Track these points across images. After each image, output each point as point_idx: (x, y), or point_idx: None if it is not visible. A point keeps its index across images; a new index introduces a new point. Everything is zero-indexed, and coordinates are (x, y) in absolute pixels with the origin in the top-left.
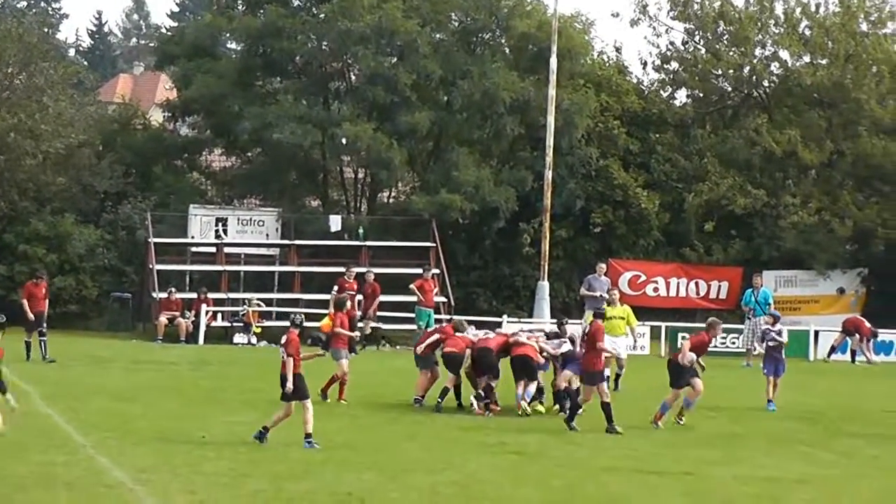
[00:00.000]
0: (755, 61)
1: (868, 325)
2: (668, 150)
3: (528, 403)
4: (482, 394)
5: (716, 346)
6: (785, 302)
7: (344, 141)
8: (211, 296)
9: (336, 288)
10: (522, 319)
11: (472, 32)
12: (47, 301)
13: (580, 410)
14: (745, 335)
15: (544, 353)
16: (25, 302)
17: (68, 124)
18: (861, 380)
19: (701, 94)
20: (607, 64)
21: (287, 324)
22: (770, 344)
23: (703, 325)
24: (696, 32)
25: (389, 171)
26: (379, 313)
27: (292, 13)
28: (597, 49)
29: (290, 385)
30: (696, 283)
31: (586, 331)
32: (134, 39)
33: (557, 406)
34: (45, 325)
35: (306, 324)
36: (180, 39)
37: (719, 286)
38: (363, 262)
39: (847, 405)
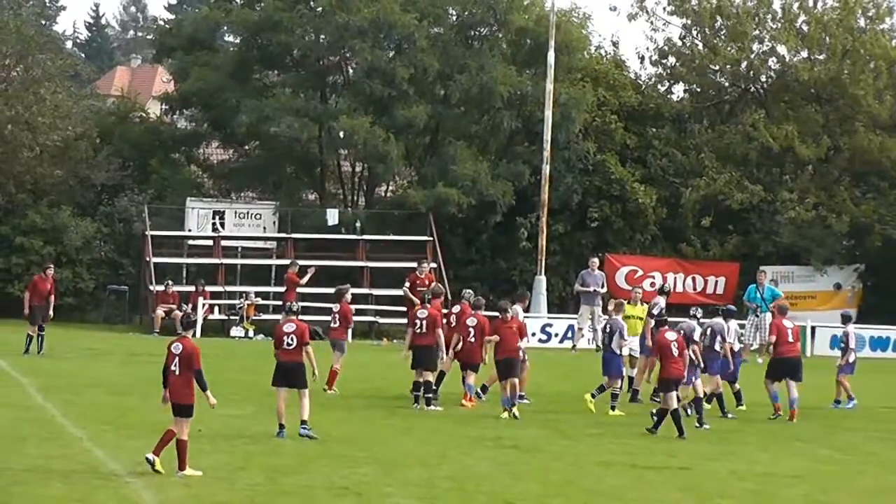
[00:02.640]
0: (752, 56)
1: None
2: (665, 145)
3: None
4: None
5: None
6: (782, 298)
7: (341, 134)
8: (208, 289)
9: (408, 284)
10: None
11: (470, 26)
12: (52, 296)
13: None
14: (748, 330)
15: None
16: (27, 294)
17: (65, 117)
18: (859, 376)
19: (698, 89)
20: (605, 58)
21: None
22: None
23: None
24: (694, 27)
25: (386, 164)
26: (376, 307)
27: (290, 6)
28: (594, 43)
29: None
30: (693, 279)
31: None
32: (131, 32)
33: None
34: (45, 319)
35: (302, 317)
36: (178, 32)
37: (716, 281)
38: (360, 256)
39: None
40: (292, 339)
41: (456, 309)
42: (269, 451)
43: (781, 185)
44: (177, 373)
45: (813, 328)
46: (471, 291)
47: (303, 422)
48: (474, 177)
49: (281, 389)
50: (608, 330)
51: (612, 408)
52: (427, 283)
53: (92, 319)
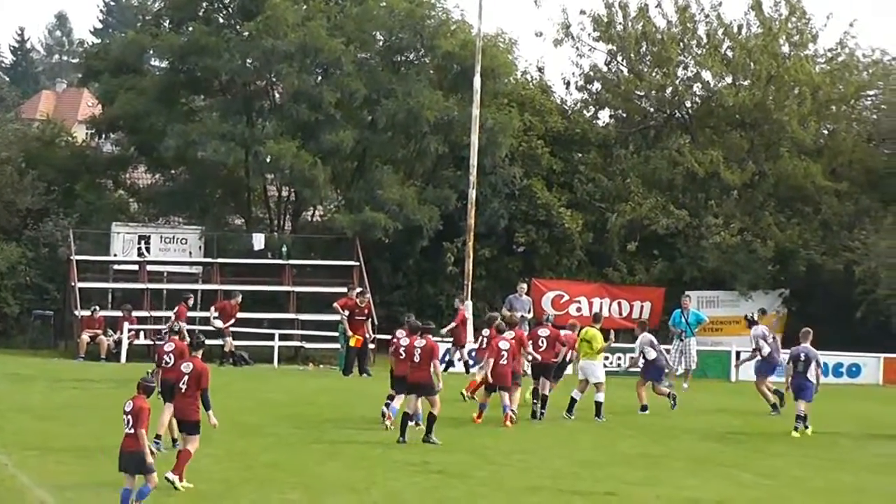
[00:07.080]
0: (678, 82)
1: None
2: (591, 170)
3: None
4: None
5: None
6: (706, 323)
7: (268, 159)
8: (134, 314)
9: (346, 312)
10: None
11: (397, 51)
12: None
13: None
14: (673, 356)
15: None
16: None
17: None
18: (786, 401)
19: (624, 115)
20: (531, 83)
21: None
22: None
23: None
24: (619, 53)
25: (313, 189)
26: (302, 332)
27: (216, 31)
28: (520, 69)
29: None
30: (619, 304)
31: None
32: (56, 56)
33: None
34: None
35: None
36: (105, 55)
37: (642, 306)
38: (286, 281)
39: (771, 426)
40: (170, 357)
41: (544, 332)
42: (194, 478)
43: (707, 210)
44: (183, 391)
45: (738, 353)
46: (550, 316)
47: (157, 436)
48: (401, 201)
49: (168, 405)
50: None
51: (795, 428)
52: (366, 312)
53: (17, 344)
